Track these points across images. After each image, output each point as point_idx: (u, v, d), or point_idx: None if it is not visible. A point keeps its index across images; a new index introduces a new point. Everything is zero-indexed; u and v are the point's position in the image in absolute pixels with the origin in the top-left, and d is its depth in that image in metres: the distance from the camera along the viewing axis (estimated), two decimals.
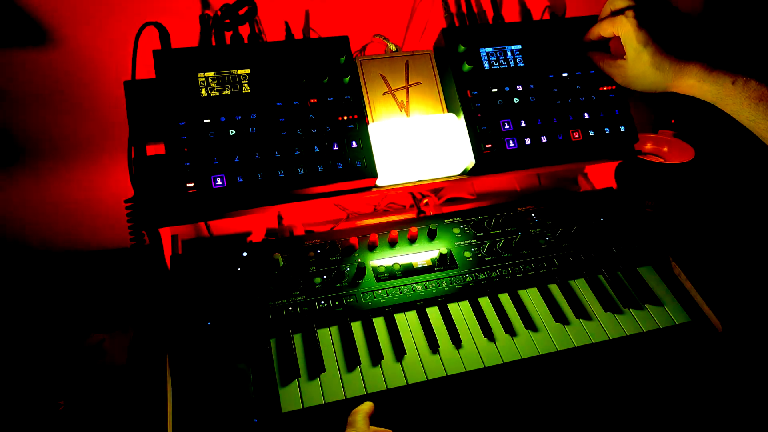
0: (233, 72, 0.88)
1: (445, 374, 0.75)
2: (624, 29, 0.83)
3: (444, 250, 0.87)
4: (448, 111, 0.98)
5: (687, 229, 0.99)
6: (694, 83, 0.80)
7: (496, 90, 0.95)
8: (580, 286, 0.88)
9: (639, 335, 0.82)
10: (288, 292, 0.82)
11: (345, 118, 0.90)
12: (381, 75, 0.97)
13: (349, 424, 0.65)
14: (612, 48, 0.94)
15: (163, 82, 0.83)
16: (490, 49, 0.97)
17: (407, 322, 0.81)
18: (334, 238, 0.89)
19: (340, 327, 0.80)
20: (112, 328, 0.86)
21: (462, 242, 0.91)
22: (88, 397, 0.76)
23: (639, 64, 0.82)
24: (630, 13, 0.83)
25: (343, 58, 0.91)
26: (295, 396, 0.72)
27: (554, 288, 0.88)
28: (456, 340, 0.79)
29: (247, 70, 0.89)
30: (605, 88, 0.98)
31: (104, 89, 1.02)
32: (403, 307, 0.83)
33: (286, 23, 0.95)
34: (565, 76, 0.98)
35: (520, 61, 0.98)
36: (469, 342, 0.79)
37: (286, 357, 0.76)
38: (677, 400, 0.82)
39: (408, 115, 0.97)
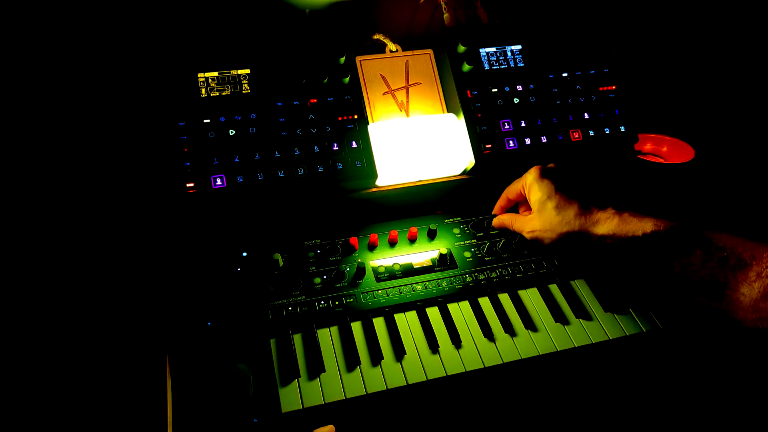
0: (233, 72, 0.88)
1: (445, 374, 0.75)
2: (527, 183, 0.85)
3: (444, 250, 0.87)
4: (448, 111, 0.98)
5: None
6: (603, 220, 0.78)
7: (496, 90, 0.95)
8: (580, 286, 0.88)
9: (638, 335, 0.82)
10: (288, 292, 0.82)
11: (345, 118, 0.90)
12: (381, 75, 0.97)
13: None
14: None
15: None
16: (490, 49, 0.97)
17: (407, 322, 0.81)
18: (334, 238, 0.89)
19: (340, 327, 0.80)
20: None
21: (462, 242, 0.91)
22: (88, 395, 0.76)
23: (545, 214, 0.82)
24: (533, 169, 0.85)
25: (343, 58, 0.91)
26: (295, 396, 0.72)
27: (554, 288, 0.88)
28: (456, 340, 0.79)
29: (247, 70, 0.89)
30: (605, 88, 0.98)
31: None
32: (403, 307, 0.83)
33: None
34: (565, 76, 0.98)
35: (520, 61, 0.98)
36: (469, 342, 0.79)
37: (286, 357, 0.76)
38: (681, 400, 0.83)
39: (408, 115, 0.97)
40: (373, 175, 0.89)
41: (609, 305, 0.84)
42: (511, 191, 0.90)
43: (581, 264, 0.89)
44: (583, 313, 0.84)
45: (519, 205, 0.92)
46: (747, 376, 0.84)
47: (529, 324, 0.82)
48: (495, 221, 0.93)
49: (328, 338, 0.79)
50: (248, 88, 0.88)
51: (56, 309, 0.81)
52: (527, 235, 0.86)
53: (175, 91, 0.86)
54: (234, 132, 0.85)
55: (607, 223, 0.77)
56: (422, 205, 0.95)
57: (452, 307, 0.84)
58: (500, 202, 0.93)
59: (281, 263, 0.84)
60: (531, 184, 0.84)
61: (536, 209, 0.83)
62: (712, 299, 0.70)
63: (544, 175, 0.83)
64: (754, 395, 0.83)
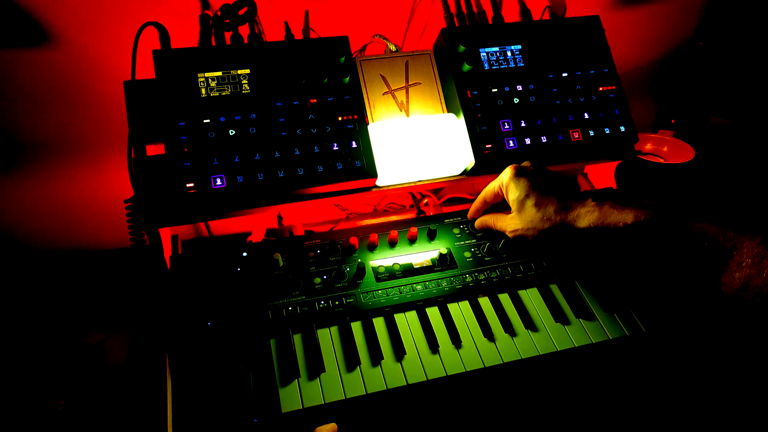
0: (233, 72, 0.88)
1: (445, 374, 0.75)
2: (504, 182, 0.84)
3: (444, 250, 0.87)
4: (448, 111, 0.98)
5: None
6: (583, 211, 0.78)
7: (496, 90, 0.95)
8: (580, 285, 0.88)
9: (637, 335, 0.82)
10: (288, 292, 0.82)
11: (345, 118, 0.90)
12: (381, 75, 0.97)
13: None
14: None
15: (162, 83, 0.83)
16: (490, 49, 0.97)
17: (407, 322, 0.81)
18: (334, 238, 0.89)
19: (340, 327, 0.80)
20: (112, 328, 0.87)
21: (462, 242, 0.91)
22: (88, 397, 0.76)
23: (525, 213, 0.81)
24: (508, 168, 0.84)
25: (342, 58, 0.91)
26: (295, 396, 0.72)
27: (554, 288, 0.88)
28: (456, 340, 0.79)
29: (247, 70, 0.89)
30: (605, 88, 0.98)
31: (104, 89, 1.02)
32: (403, 307, 0.83)
33: (286, 23, 0.96)
34: (565, 76, 0.98)
35: (520, 61, 0.98)
36: (469, 342, 0.79)
37: (286, 357, 0.76)
38: (683, 400, 0.83)
39: (408, 115, 0.97)
40: (373, 175, 0.89)
41: (609, 305, 0.84)
42: (488, 193, 0.89)
43: (577, 261, 0.89)
44: (583, 312, 0.84)
45: (496, 206, 0.92)
46: (739, 367, 0.84)
47: (529, 324, 0.82)
48: (477, 222, 0.92)
49: (328, 338, 0.79)
50: (248, 88, 0.88)
51: (56, 308, 0.81)
52: (510, 234, 0.85)
53: (175, 91, 0.86)
54: (234, 132, 0.85)
55: (588, 216, 0.77)
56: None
57: (452, 307, 0.84)
58: (476, 205, 0.92)
59: (281, 263, 0.84)
60: (508, 184, 0.83)
61: (515, 208, 0.83)
62: (694, 289, 0.69)
63: (519, 173, 0.83)
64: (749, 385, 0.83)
